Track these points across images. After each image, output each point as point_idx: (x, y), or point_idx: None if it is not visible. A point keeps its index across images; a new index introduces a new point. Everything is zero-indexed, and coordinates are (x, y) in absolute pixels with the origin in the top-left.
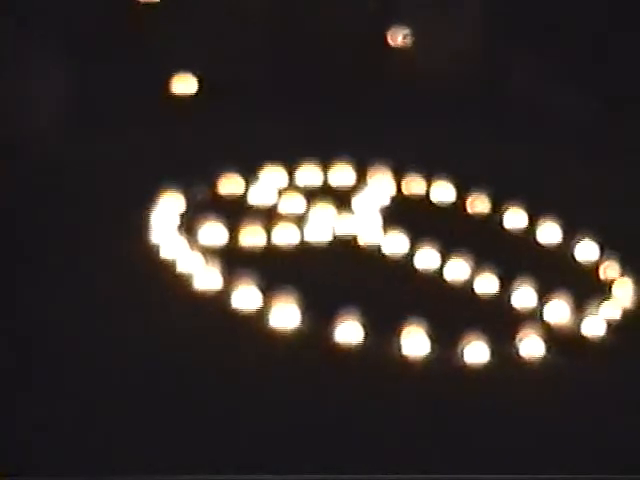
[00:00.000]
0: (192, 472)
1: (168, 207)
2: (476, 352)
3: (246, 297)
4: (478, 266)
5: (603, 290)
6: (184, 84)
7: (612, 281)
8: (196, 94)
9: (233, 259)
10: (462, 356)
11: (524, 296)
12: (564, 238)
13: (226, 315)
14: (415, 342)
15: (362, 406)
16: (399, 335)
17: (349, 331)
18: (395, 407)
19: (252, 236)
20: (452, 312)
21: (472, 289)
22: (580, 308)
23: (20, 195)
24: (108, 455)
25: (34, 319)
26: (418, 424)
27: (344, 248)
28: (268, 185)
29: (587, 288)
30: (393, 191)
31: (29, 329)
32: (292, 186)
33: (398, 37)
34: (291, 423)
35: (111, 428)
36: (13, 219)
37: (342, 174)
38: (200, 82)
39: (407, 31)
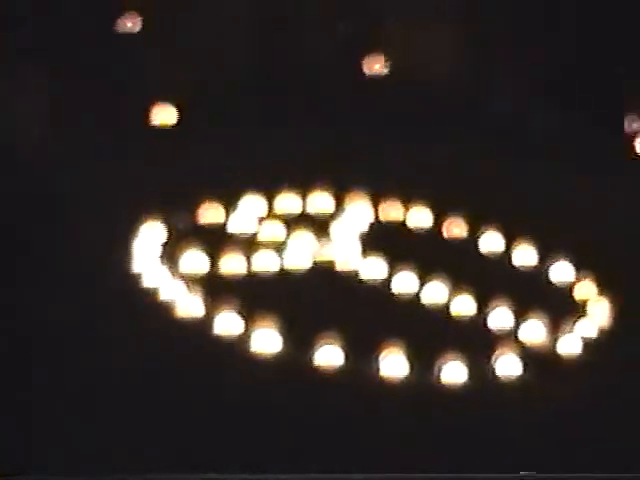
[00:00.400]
0: (192, 472)
1: (150, 237)
2: (454, 372)
3: (228, 323)
4: (455, 288)
5: (578, 309)
6: (164, 114)
7: (587, 300)
8: (176, 124)
9: (214, 286)
10: (440, 376)
11: (500, 317)
12: (539, 259)
13: (209, 341)
14: (394, 364)
15: (343, 428)
16: (378, 357)
17: (329, 354)
18: (374, 427)
19: (233, 263)
20: (430, 334)
21: (449, 311)
22: (556, 327)
23: (19, 196)
24: (108, 455)
25: (34, 319)
26: (398, 443)
27: (323, 274)
28: (248, 213)
29: (562, 308)
30: (371, 217)
31: (29, 329)
32: (271, 214)
33: (374, 65)
34: (272, 447)
35: (111, 428)
36: (13, 219)
37: (320, 201)
38: (180, 112)
39: (383, 59)
